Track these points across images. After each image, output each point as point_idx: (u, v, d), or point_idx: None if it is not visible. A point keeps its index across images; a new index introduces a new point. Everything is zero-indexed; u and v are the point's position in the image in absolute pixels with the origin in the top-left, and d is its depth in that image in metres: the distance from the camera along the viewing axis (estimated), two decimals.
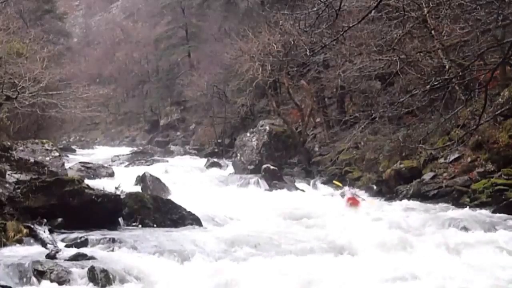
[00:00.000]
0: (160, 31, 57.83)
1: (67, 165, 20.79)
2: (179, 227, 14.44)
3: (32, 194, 13.37)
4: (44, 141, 19.60)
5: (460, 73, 10.48)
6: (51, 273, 9.44)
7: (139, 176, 20.35)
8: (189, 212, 15.17)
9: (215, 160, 30.83)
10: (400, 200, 17.53)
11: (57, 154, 18.52)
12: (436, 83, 10.12)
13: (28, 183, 13.79)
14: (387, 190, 18.96)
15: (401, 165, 18.91)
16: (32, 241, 11.87)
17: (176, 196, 17.44)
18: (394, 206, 16.83)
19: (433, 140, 18.47)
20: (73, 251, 10.98)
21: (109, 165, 28.30)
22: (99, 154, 40.57)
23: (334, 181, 18.88)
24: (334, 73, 23.60)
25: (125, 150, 43.22)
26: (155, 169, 24.41)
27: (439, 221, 13.76)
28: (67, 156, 32.69)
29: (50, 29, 39.29)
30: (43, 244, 11.67)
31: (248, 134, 28.31)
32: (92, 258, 10.46)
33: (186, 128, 50.19)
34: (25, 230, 12.04)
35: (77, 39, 77.56)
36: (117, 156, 36.22)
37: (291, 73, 29.75)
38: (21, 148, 17.66)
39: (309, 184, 23.30)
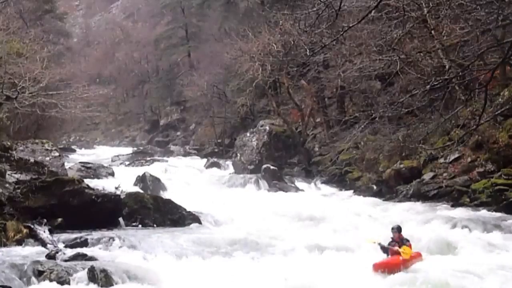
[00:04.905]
0: (160, 31, 57.80)
1: (67, 165, 20.79)
2: (179, 227, 14.47)
3: (32, 194, 13.39)
4: (44, 141, 19.61)
5: (460, 73, 10.47)
6: (51, 273, 9.45)
7: (139, 176, 20.37)
8: (189, 212, 15.19)
9: (215, 160, 30.82)
10: (400, 200, 17.53)
11: (57, 154, 18.54)
12: (436, 83, 10.12)
13: (28, 183, 13.81)
14: (387, 190, 18.95)
15: (401, 165, 18.91)
16: (32, 241, 11.89)
17: (176, 196, 17.44)
18: (394, 206, 16.82)
19: (433, 140, 18.47)
20: (73, 251, 11.01)
21: (109, 165, 28.29)
22: (99, 154, 40.58)
23: (368, 241, 10.93)
24: (334, 73, 23.60)
25: (125, 150, 43.22)
26: (155, 169, 24.42)
27: (439, 221, 13.76)
28: (67, 156, 32.68)
29: (50, 29, 39.21)
30: (43, 244, 11.69)
31: (248, 134, 28.31)
32: (92, 258, 10.49)
33: (186, 128, 50.15)
34: (25, 230, 12.07)
35: (77, 39, 77.45)
36: (117, 156, 36.22)
37: (291, 73, 29.73)
38: (21, 148, 17.67)
39: (309, 184, 23.31)
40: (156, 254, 11.10)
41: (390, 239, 10.38)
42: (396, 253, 10.04)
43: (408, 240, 10.31)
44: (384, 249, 10.33)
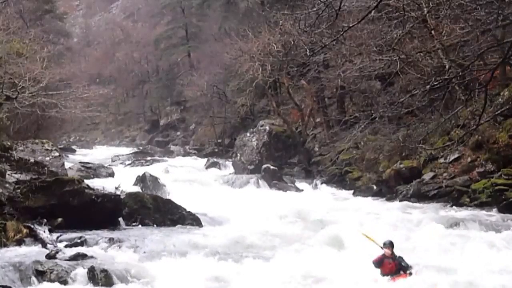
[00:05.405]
0: (160, 31, 57.80)
1: (67, 165, 20.79)
2: (179, 227, 14.45)
3: (32, 194, 13.38)
4: (44, 141, 19.60)
5: (460, 73, 10.48)
6: (51, 273, 9.46)
7: (139, 176, 20.36)
8: (189, 212, 15.18)
9: (215, 160, 30.83)
10: (400, 200, 17.53)
11: (57, 154, 18.53)
12: (436, 83, 10.12)
13: (28, 183, 13.80)
14: (387, 190, 18.95)
15: (401, 165, 18.91)
16: (32, 241, 11.90)
17: (176, 196, 17.44)
18: (394, 206, 16.82)
19: (433, 140, 18.46)
20: (73, 251, 11.00)
21: (109, 165, 28.34)
22: (99, 154, 40.60)
23: (364, 234, 10.20)
24: (334, 73, 23.58)
25: (125, 150, 43.23)
26: (155, 169, 24.43)
27: (439, 221, 13.75)
28: (67, 156, 32.69)
29: (50, 29, 39.20)
30: (43, 244, 11.70)
31: (248, 134, 28.33)
32: (92, 258, 10.50)
33: (186, 128, 50.15)
34: (25, 230, 12.07)
35: (77, 39, 77.48)
36: (117, 156, 36.24)
37: (291, 73, 29.74)
38: (21, 148, 17.66)
39: (309, 184, 23.31)
40: (156, 254, 11.11)
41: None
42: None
43: (403, 259, 9.44)
44: (380, 261, 9.43)
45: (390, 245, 9.58)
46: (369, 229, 12.88)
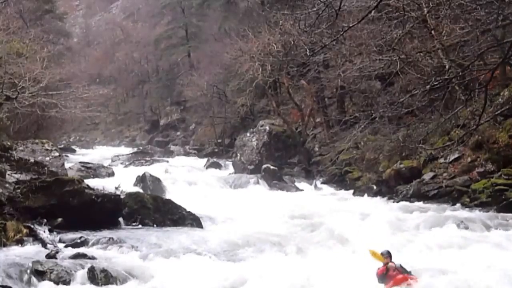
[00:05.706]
0: (160, 31, 57.84)
1: (67, 165, 20.80)
2: (179, 227, 14.45)
3: (32, 194, 13.38)
4: (44, 141, 19.60)
5: (460, 73, 10.49)
6: (51, 273, 9.46)
7: (139, 176, 20.36)
8: (189, 212, 15.18)
9: (215, 160, 30.86)
10: (400, 200, 17.53)
11: (57, 154, 18.53)
12: (436, 83, 10.14)
13: (28, 183, 13.80)
14: (387, 190, 18.95)
15: (401, 165, 18.91)
16: (32, 241, 11.89)
17: (176, 196, 17.44)
18: (394, 206, 16.82)
19: (433, 140, 18.46)
20: (73, 251, 11.01)
21: (109, 165, 28.33)
22: (99, 154, 40.57)
23: (371, 251, 9.49)
24: (334, 73, 23.60)
25: (125, 150, 43.23)
26: (155, 169, 24.42)
27: (439, 221, 13.75)
28: (67, 156, 32.68)
29: (50, 29, 39.17)
30: (43, 244, 11.70)
31: (248, 134, 28.34)
32: (92, 258, 10.49)
33: (186, 128, 50.18)
34: (25, 230, 12.07)
35: (77, 39, 77.49)
36: (117, 156, 36.23)
37: (291, 73, 29.76)
38: (21, 148, 17.66)
39: (309, 184, 23.31)
40: (156, 254, 11.10)
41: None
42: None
43: (401, 266, 9.14)
44: (384, 274, 9.01)
45: (388, 255, 9.29)
46: (369, 229, 12.95)
